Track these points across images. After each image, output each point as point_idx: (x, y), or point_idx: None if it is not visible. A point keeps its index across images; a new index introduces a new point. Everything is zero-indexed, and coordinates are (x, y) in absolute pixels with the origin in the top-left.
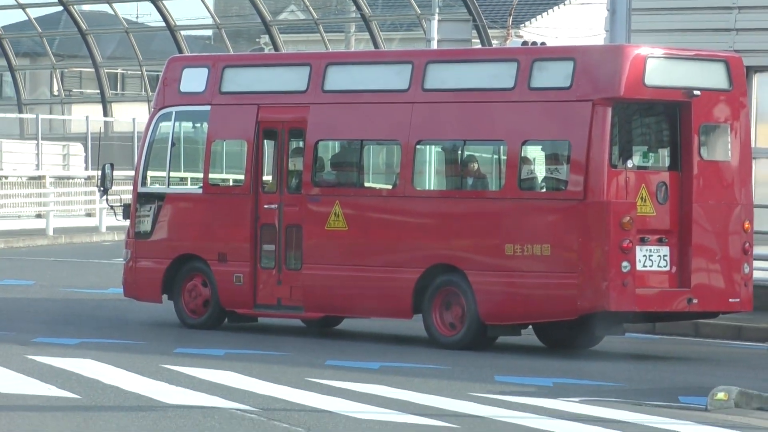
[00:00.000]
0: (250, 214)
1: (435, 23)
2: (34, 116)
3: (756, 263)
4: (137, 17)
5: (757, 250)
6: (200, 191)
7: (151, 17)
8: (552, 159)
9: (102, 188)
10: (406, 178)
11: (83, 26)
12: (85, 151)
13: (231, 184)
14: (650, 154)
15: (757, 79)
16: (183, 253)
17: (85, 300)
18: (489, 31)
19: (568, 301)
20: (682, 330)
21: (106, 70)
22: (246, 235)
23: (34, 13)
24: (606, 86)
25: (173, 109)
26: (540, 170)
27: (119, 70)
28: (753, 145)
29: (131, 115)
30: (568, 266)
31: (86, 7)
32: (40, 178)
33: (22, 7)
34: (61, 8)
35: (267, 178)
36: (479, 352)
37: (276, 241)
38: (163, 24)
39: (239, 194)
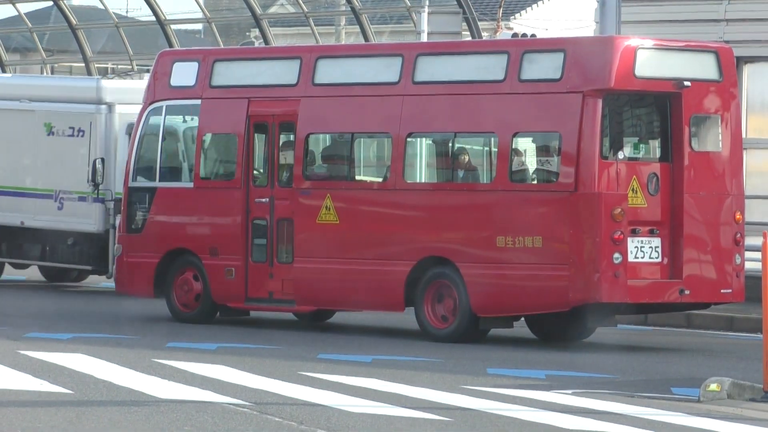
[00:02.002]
0: (241, 207)
1: (425, 16)
2: None
3: (747, 254)
4: (127, 12)
5: (749, 240)
6: (191, 185)
7: (141, 11)
8: (543, 151)
9: (93, 183)
10: (397, 171)
11: (73, 21)
12: None
13: (222, 178)
14: (641, 145)
15: (747, 70)
16: (175, 247)
17: (78, 295)
18: (479, 23)
19: (560, 293)
20: (674, 321)
21: (96, 65)
22: (237, 228)
23: (24, 8)
24: (596, 78)
25: (164, 104)
26: (531, 162)
27: (109, 65)
28: (744, 135)
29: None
30: (559, 258)
31: (76, 2)
32: None
33: (12, 2)
34: (51, 3)
35: (258, 171)
36: (471, 345)
37: (267, 235)
38: (153, 18)
39: (230, 188)
